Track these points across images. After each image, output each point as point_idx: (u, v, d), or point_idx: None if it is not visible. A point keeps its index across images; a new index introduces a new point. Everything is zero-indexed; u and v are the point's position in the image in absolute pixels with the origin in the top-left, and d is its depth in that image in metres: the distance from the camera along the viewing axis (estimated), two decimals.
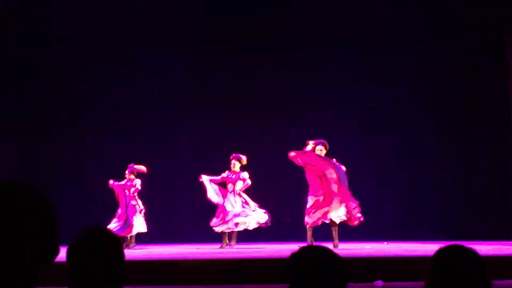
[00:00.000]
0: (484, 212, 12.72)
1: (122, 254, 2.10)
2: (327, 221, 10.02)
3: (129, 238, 11.11)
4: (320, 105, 13.28)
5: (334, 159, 10.12)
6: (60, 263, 1.92)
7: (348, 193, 9.90)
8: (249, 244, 11.14)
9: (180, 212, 13.26)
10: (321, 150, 10.13)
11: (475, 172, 13.18)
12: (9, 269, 1.40)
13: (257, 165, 11.89)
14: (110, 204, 11.49)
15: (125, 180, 11.26)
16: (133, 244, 11.11)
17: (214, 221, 10.80)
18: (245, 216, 10.67)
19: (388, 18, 12.88)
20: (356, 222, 9.92)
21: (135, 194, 11.15)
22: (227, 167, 10.98)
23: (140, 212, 11.13)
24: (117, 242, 2.12)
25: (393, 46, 13.21)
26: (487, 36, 12.86)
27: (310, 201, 10.02)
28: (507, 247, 9.75)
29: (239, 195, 10.86)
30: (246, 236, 11.45)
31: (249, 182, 10.87)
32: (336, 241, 9.84)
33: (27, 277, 1.42)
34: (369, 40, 13.10)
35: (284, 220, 12.11)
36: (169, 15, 13.15)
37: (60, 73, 13.30)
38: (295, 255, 2.12)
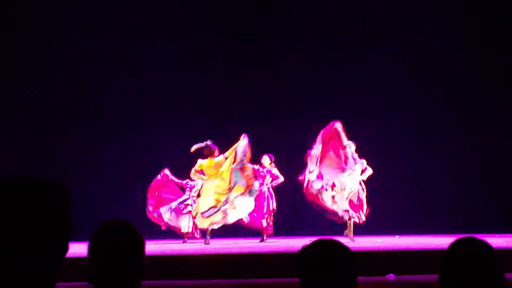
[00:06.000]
0: (497, 205, 12.66)
1: (143, 250, 2.05)
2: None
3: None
4: (335, 90, 13.19)
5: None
6: (80, 259, 1.89)
7: None
8: (260, 238, 11.14)
9: None
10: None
11: (490, 165, 13.07)
12: (24, 268, 1.35)
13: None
14: None
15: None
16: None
17: None
18: None
19: None
20: None
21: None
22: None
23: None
24: (139, 237, 2.07)
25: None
26: None
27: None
28: None
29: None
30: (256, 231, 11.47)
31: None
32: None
33: (43, 275, 1.38)
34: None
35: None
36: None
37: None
38: (306, 249, 2.12)
